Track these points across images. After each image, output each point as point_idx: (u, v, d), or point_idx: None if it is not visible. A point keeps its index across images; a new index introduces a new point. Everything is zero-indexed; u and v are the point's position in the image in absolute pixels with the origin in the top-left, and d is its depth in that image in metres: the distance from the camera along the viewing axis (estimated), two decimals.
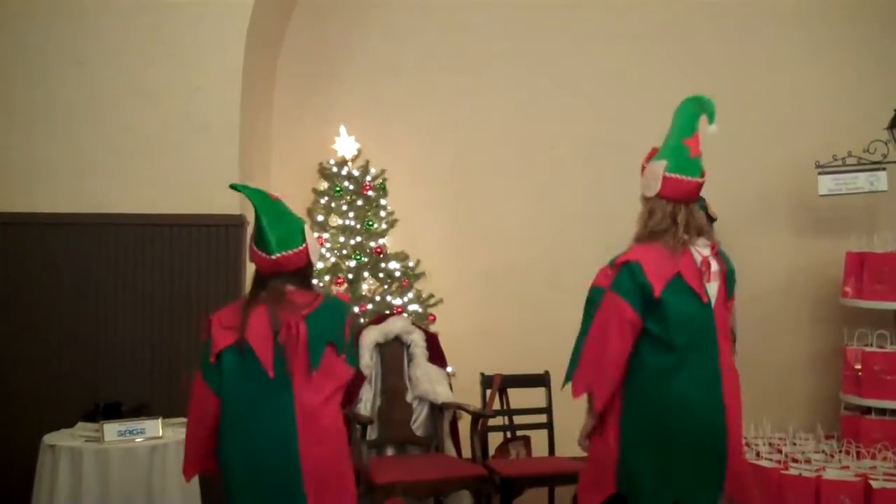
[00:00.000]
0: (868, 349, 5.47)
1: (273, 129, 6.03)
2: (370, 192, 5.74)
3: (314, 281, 3.46)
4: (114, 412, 4.21)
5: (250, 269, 4.88)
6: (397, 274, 5.69)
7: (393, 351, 5.12)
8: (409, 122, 6.14)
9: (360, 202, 5.73)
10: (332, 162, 5.81)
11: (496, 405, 5.11)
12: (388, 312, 5.36)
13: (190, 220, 4.91)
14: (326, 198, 5.73)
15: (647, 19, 6.23)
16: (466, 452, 5.04)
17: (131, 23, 4.95)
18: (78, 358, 4.83)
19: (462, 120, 6.19)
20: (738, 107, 6.15)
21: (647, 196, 3.42)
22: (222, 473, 3.08)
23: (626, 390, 3.31)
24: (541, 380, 5.17)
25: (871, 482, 4.62)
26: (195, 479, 4.10)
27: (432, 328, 5.51)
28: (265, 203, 3.14)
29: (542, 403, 5.16)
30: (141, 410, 4.27)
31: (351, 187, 5.74)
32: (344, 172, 5.76)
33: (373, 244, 5.66)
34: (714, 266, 3.37)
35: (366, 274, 5.62)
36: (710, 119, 3.40)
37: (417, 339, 5.14)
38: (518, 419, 5.21)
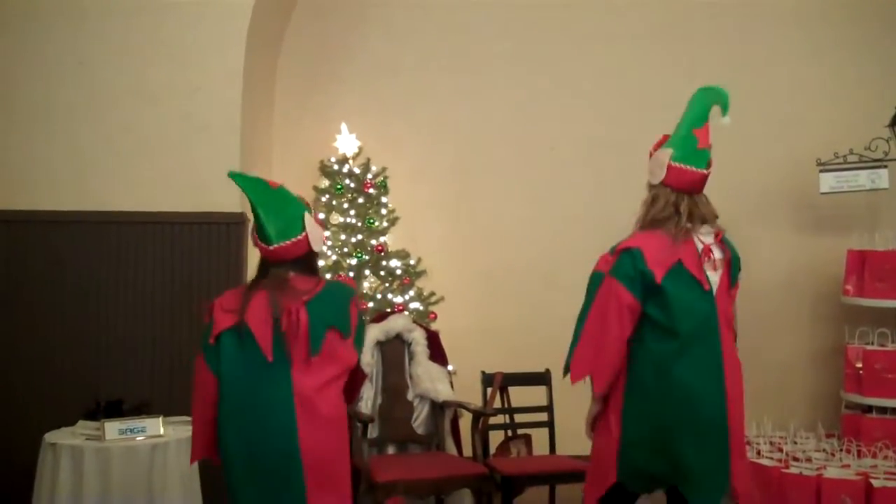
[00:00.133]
0: (869, 347, 5.47)
1: (274, 128, 6.03)
2: (371, 190, 5.75)
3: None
4: (115, 410, 4.22)
5: (251, 266, 4.91)
6: (398, 272, 5.69)
7: (394, 349, 5.12)
8: (410, 120, 6.15)
9: (361, 200, 5.73)
10: (333, 160, 5.81)
11: (497, 403, 5.11)
12: (389, 310, 5.37)
13: (191, 218, 4.92)
14: (327, 196, 5.73)
15: (647, 19, 6.23)
16: (467, 451, 5.04)
17: (132, 23, 4.96)
18: (79, 356, 4.84)
19: (462, 119, 6.19)
20: (739, 105, 6.06)
21: (652, 183, 3.44)
22: (221, 457, 3.09)
23: (628, 378, 3.32)
24: (542, 378, 5.17)
25: (872, 481, 4.62)
26: (196, 476, 4.13)
27: (433, 326, 5.52)
28: (263, 193, 3.14)
29: (543, 402, 5.16)
30: (142, 409, 4.27)
31: (352, 185, 5.75)
32: (345, 170, 5.77)
33: (374, 242, 5.67)
34: (717, 254, 3.38)
35: (367, 272, 5.62)
36: (724, 111, 3.40)
37: (418, 338, 5.14)
38: (519, 417, 5.20)
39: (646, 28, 6.22)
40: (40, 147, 4.95)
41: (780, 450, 5.16)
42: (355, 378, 3.30)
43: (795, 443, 5.40)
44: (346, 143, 5.81)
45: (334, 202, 5.72)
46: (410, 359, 5.14)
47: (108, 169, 4.94)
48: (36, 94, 4.95)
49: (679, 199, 3.38)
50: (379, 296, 5.57)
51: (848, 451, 5.12)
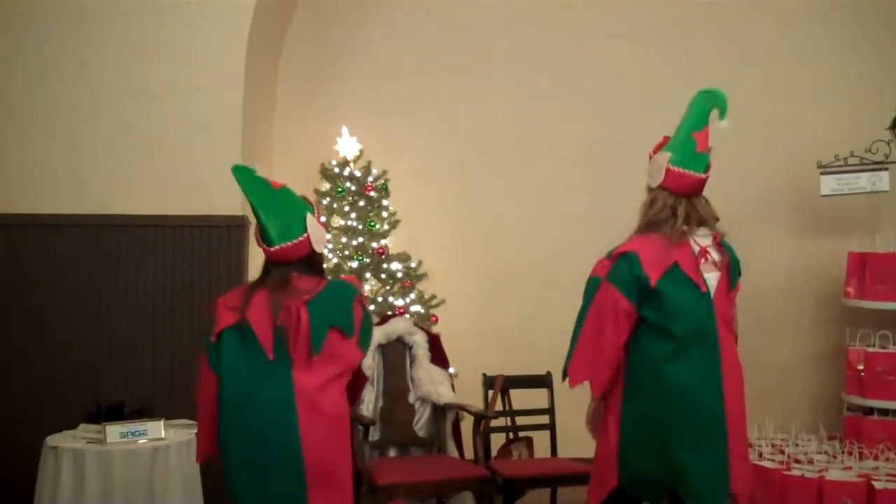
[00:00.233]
0: (870, 350, 5.47)
1: (275, 130, 6.03)
2: (372, 193, 5.74)
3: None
4: (116, 413, 4.21)
5: (252, 268, 4.92)
6: (399, 275, 5.69)
7: (395, 352, 5.12)
8: (411, 122, 6.14)
9: (361, 203, 5.73)
10: (333, 163, 5.81)
11: (498, 406, 5.11)
12: (390, 313, 5.36)
13: (192, 220, 4.91)
14: (328, 199, 5.73)
15: (647, 19, 6.22)
16: (469, 453, 5.03)
17: (132, 23, 4.95)
18: (80, 359, 4.83)
19: (463, 120, 6.18)
20: (740, 107, 6.07)
21: (651, 186, 3.46)
22: (221, 456, 3.08)
23: (626, 382, 3.33)
24: (543, 381, 5.17)
25: (874, 483, 4.62)
26: (197, 478, 4.13)
27: (434, 329, 5.51)
28: (264, 194, 3.13)
29: (545, 404, 5.16)
30: (143, 412, 4.27)
31: (353, 188, 5.74)
32: (346, 173, 5.76)
33: (375, 245, 5.66)
34: (715, 256, 3.38)
35: (368, 275, 5.62)
36: (722, 114, 3.41)
37: (420, 340, 5.14)
38: (520, 420, 5.20)
39: (646, 28, 6.22)
40: (40, 149, 4.94)
41: (782, 452, 5.16)
42: (357, 381, 3.30)
43: (797, 445, 5.40)
44: (347, 146, 5.81)
45: (335, 205, 5.71)
46: (412, 362, 5.13)
47: (109, 171, 4.93)
48: (36, 94, 4.94)
49: (677, 202, 3.39)
50: (380, 299, 5.56)
51: (849, 454, 5.12)
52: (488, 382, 5.12)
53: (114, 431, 3.99)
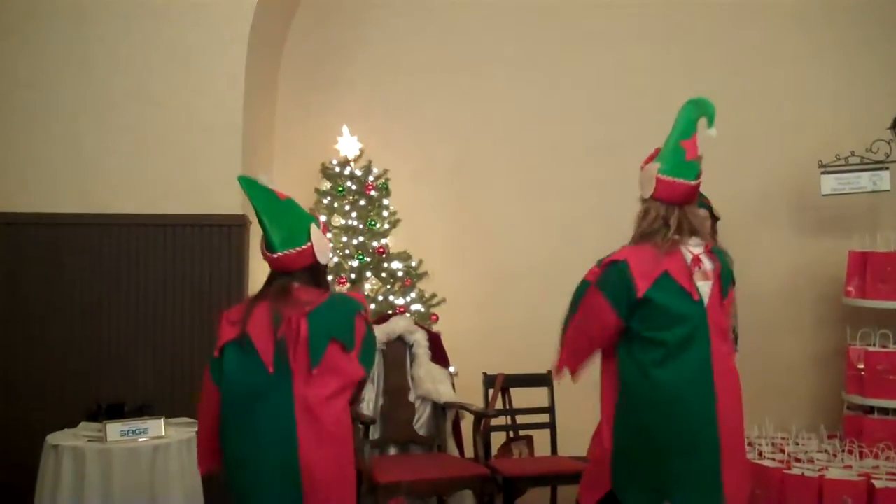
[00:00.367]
0: (871, 349, 5.47)
1: (276, 130, 6.04)
2: (373, 192, 5.75)
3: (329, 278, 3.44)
4: (117, 412, 4.22)
5: (254, 268, 4.93)
6: (400, 274, 5.70)
7: (396, 350, 5.12)
8: (411, 122, 6.15)
9: (362, 202, 5.74)
10: (334, 162, 5.82)
11: (499, 405, 5.11)
12: (390, 312, 5.37)
13: (193, 220, 4.92)
14: (329, 198, 5.74)
15: (647, 21, 6.23)
16: (469, 452, 5.04)
17: (133, 24, 4.96)
18: (80, 358, 4.84)
19: (463, 120, 6.19)
20: (741, 107, 6.15)
21: (644, 197, 3.46)
22: (224, 468, 3.08)
23: (619, 389, 3.32)
24: (543, 379, 5.17)
25: (874, 482, 4.61)
26: (198, 479, 4.13)
27: (435, 328, 5.52)
28: (269, 203, 3.13)
29: (545, 403, 5.16)
30: (144, 410, 4.28)
31: (353, 187, 5.75)
32: (346, 172, 5.77)
33: (375, 244, 5.67)
34: (707, 265, 3.37)
35: (368, 274, 5.63)
36: (710, 122, 3.41)
37: (420, 339, 5.15)
38: (521, 419, 5.21)
39: (646, 30, 6.22)
40: (40, 148, 4.95)
41: (782, 451, 5.16)
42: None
43: (797, 444, 5.39)
44: (348, 145, 5.81)
45: (336, 204, 5.72)
46: (412, 360, 5.14)
47: (109, 171, 4.94)
48: (36, 95, 4.95)
49: (669, 211, 3.40)
50: (380, 298, 5.57)
51: (850, 452, 5.12)
52: (489, 381, 5.13)
53: (114, 430, 4.00)
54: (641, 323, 3.29)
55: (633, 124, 5.79)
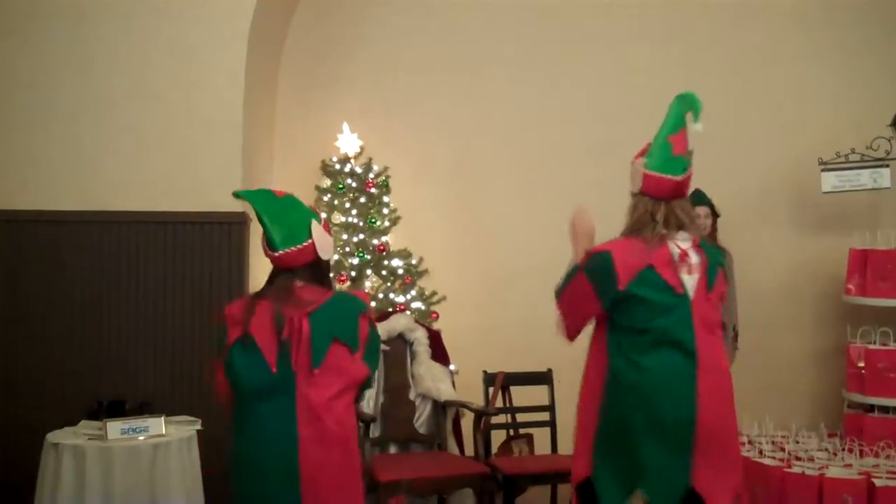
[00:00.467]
0: (871, 347, 5.47)
1: (276, 127, 6.03)
2: (373, 190, 5.75)
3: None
4: (117, 410, 4.22)
5: (254, 266, 4.93)
6: (400, 271, 5.69)
7: (396, 348, 5.13)
8: (412, 119, 6.14)
9: (362, 199, 5.73)
10: (334, 159, 5.81)
11: (499, 403, 5.12)
12: (391, 310, 5.37)
13: (193, 217, 4.91)
14: (329, 195, 5.73)
15: (647, 20, 6.22)
16: (469, 450, 5.05)
17: (133, 22, 4.95)
18: (81, 356, 4.84)
19: (464, 117, 6.18)
20: (741, 104, 6.15)
21: (633, 192, 3.49)
22: (229, 465, 3.09)
23: (606, 374, 3.33)
24: (544, 377, 5.18)
25: (875, 480, 4.62)
26: (198, 475, 4.14)
27: (435, 326, 5.52)
28: (268, 203, 3.13)
29: (545, 401, 5.17)
30: (144, 408, 4.28)
31: (354, 184, 5.75)
32: (347, 170, 5.77)
33: (375, 241, 5.67)
34: (694, 259, 3.37)
35: (368, 271, 5.62)
36: (695, 117, 3.41)
37: (420, 337, 5.15)
38: (521, 417, 5.21)
39: (646, 29, 6.21)
40: (41, 147, 4.94)
41: (783, 449, 5.16)
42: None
43: (797, 442, 5.39)
44: (348, 142, 5.81)
45: (336, 202, 5.72)
46: (412, 358, 5.14)
47: (109, 169, 4.94)
48: (36, 94, 4.94)
49: (656, 206, 3.42)
50: (381, 295, 5.57)
51: (850, 451, 5.12)
52: (489, 379, 5.13)
53: (115, 428, 3.99)
54: (625, 315, 3.32)
55: (633, 124, 5.73)
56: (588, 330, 3.53)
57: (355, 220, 5.68)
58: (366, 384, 3.24)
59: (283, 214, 3.12)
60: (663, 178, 3.41)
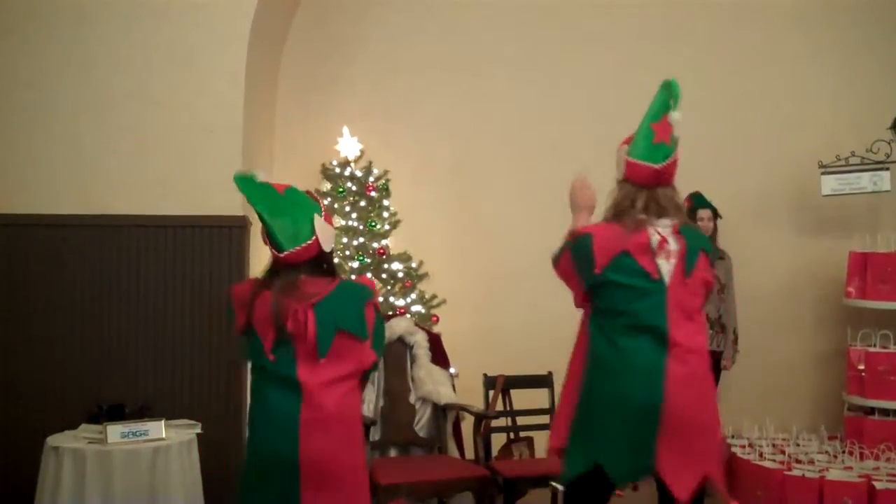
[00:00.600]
0: (871, 349, 5.48)
1: (276, 130, 6.03)
2: (373, 193, 5.75)
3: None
4: (117, 414, 4.21)
5: (254, 269, 4.92)
6: (400, 275, 5.70)
7: (396, 352, 5.12)
8: (412, 122, 6.15)
9: (362, 203, 5.74)
10: (334, 163, 5.81)
11: (499, 406, 5.11)
12: (391, 313, 5.37)
13: (193, 221, 4.90)
14: (329, 199, 5.73)
15: (647, 20, 6.23)
16: (469, 453, 5.04)
17: (133, 24, 4.94)
18: (81, 360, 4.83)
19: (464, 120, 6.19)
20: (741, 106, 6.16)
21: (617, 178, 3.50)
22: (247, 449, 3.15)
23: (585, 358, 3.35)
24: (544, 381, 5.17)
25: (875, 483, 4.62)
26: (198, 479, 4.13)
27: (435, 329, 5.52)
28: (270, 200, 3.11)
29: (546, 404, 5.16)
30: (144, 412, 4.27)
31: (354, 188, 5.74)
32: (347, 173, 5.77)
33: (376, 245, 5.66)
34: (672, 245, 3.36)
35: (369, 275, 5.62)
36: (674, 105, 3.40)
37: (420, 340, 5.14)
38: (521, 420, 5.20)
39: (646, 29, 6.22)
40: (40, 149, 4.93)
41: (783, 452, 5.17)
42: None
43: (798, 445, 5.40)
44: (348, 145, 5.81)
45: (336, 205, 5.72)
46: (412, 361, 5.14)
47: (109, 171, 4.93)
48: (36, 95, 4.93)
49: (637, 193, 3.42)
50: (381, 299, 5.57)
51: (850, 454, 5.12)
52: (489, 382, 5.12)
53: (115, 431, 3.98)
54: (604, 297, 3.34)
55: (633, 124, 5.74)
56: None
57: (355, 224, 5.68)
58: (372, 369, 3.26)
59: (287, 213, 3.12)
60: (644, 166, 3.42)
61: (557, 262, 3.51)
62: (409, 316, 5.43)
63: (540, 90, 6.22)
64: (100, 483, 3.86)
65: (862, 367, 5.46)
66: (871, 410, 5.44)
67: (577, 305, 3.53)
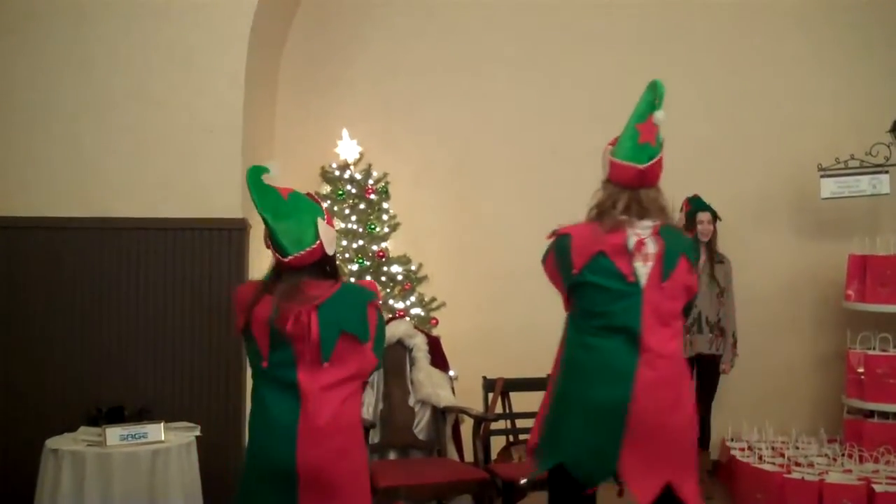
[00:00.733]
0: (871, 352, 5.48)
1: (275, 132, 6.02)
2: (372, 196, 5.74)
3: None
4: (116, 416, 4.21)
5: (254, 272, 4.92)
6: (400, 277, 5.69)
7: (395, 354, 5.11)
8: (412, 125, 6.14)
9: (362, 206, 5.73)
10: (334, 165, 5.81)
11: (498, 409, 5.10)
12: (390, 316, 5.36)
13: (193, 223, 4.89)
14: (329, 201, 5.73)
15: (648, 22, 6.23)
16: (469, 456, 5.04)
17: (133, 24, 4.94)
18: (80, 362, 4.82)
19: (464, 122, 6.19)
20: (741, 109, 6.16)
21: (602, 179, 3.48)
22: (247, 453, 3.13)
23: (560, 359, 3.36)
24: (543, 383, 5.12)
25: (874, 486, 4.63)
26: (198, 481, 4.13)
27: (435, 332, 5.52)
28: (275, 206, 3.11)
29: None
30: (143, 414, 4.27)
31: (353, 191, 5.74)
32: (346, 176, 5.76)
33: (375, 248, 5.66)
34: (650, 248, 3.34)
35: (368, 277, 5.62)
36: (658, 105, 3.39)
37: (420, 343, 5.14)
38: (520, 423, 5.19)
39: (646, 31, 6.22)
40: (40, 151, 4.93)
41: (782, 455, 5.17)
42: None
43: (797, 448, 5.40)
44: (348, 148, 5.81)
45: (336, 208, 5.72)
46: (412, 364, 5.13)
47: (109, 174, 4.92)
48: (36, 96, 4.92)
49: (620, 194, 3.39)
50: (380, 302, 5.56)
51: (850, 457, 5.13)
52: (488, 385, 5.12)
53: (114, 434, 3.98)
54: (581, 298, 3.32)
55: None
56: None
57: (355, 227, 5.68)
58: (372, 370, 3.27)
59: (291, 217, 3.12)
60: (627, 166, 3.39)
61: (545, 262, 3.51)
62: (408, 319, 5.42)
63: (540, 90, 6.22)
64: (99, 486, 3.87)
65: (861, 370, 5.46)
66: (871, 413, 5.44)
67: (565, 308, 3.50)
